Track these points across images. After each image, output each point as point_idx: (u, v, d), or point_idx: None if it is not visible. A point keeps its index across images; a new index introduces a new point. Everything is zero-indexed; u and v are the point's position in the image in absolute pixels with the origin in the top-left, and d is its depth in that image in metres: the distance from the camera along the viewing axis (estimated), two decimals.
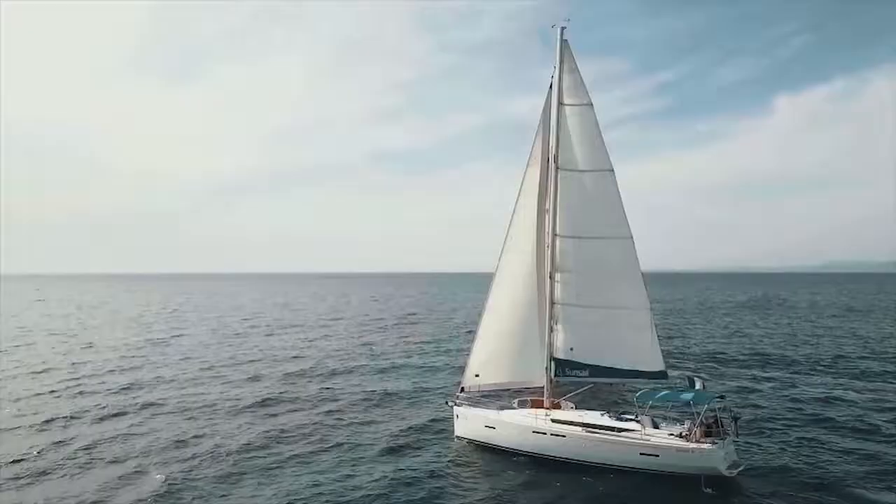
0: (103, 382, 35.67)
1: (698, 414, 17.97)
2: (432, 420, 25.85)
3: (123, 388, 33.83)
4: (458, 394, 23.47)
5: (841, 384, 32.92)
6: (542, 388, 22.35)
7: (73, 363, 42.86)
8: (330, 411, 28.03)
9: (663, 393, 18.98)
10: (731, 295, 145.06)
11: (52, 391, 33.04)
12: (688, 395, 18.32)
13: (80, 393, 32.71)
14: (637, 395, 19.29)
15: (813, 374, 36.19)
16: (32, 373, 38.85)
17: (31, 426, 25.87)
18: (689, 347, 48.87)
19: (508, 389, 23.83)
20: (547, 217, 22.45)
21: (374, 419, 26.75)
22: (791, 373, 36.78)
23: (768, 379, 34.28)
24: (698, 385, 18.82)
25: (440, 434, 23.86)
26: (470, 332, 52.51)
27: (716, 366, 39.18)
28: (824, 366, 39.33)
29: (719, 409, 18.70)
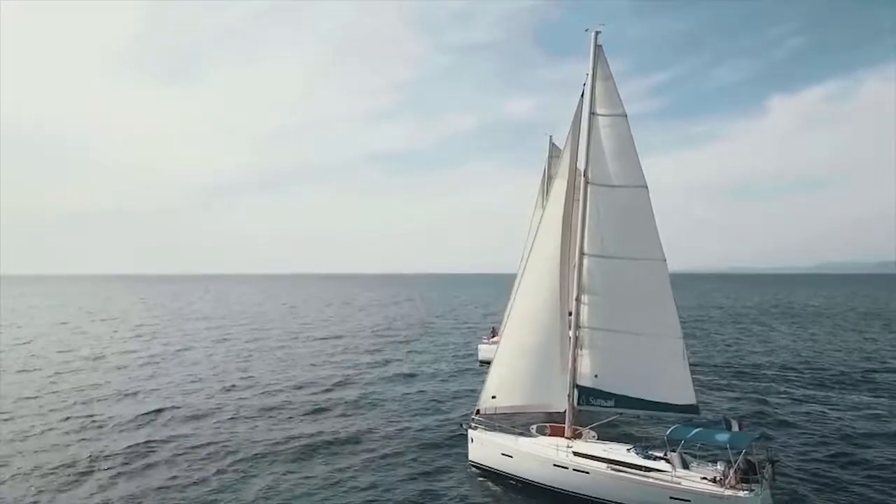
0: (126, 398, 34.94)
1: (735, 457, 16.67)
2: (446, 439, 24.76)
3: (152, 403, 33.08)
4: (473, 416, 22.32)
5: (880, 403, 31.37)
6: (562, 413, 21.17)
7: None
8: (333, 429, 26.91)
9: (696, 431, 17.64)
10: (737, 299, 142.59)
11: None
12: (723, 437, 16.99)
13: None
14: (669, 431, 17.97)
15: (847, 391, 34.65)
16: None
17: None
18: (710, 357, 47.36)
19: (526, 413, 22.66)
20: (573, 234, 21.29)
21: (382, 436, 25.67)
22: (822, 389, 35.26)
23: (799, 400, 32.57)
24: (735, 426, 17.45)
25: (453, 457, 22.73)
26: (471, 335, 54.41)
27: (736, 381, 37.64)
28: (857, 380, 37.78)
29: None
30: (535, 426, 21.65)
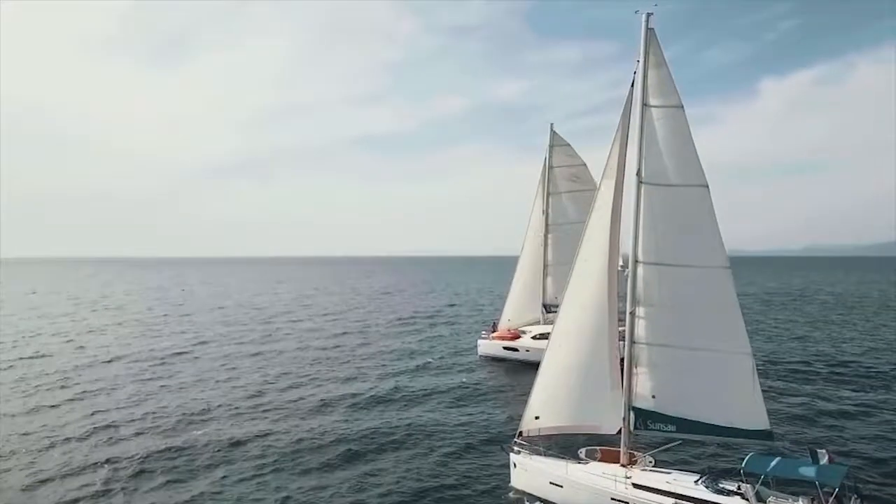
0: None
1: (825, 496, 14.84)
2: (484, 463, 22.79)
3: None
4: (515, 439, 20.36)
5: None
6: (613, 435, 19.32)
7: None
8: (351, 448, 24.77)
9: (777, 462, 15.84)
10: (750, 282, 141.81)
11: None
12: (810, 471, 15.16)
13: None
14: (745, 462, 16.14)
15: None
16: None
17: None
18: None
19: (574, 434, 20.74)
20: (620, 239, 19.36)
21: (413, 454, 23.70)
22: (880, 391, 33.44)
23: (863, 407, 29.88)
24: (823, 458, 15.60)
25: (492, 483, 20.77)
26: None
27: (783, 382, 35.32)
28: None
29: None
30: (583, 450, 19.76)
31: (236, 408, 31.01)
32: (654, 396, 18.33)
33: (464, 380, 38.52)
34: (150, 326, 63.94)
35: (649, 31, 18.27)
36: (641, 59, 18.35)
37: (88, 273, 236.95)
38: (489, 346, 47.91)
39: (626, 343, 18.64)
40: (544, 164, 49.39)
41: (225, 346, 51.41)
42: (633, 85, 18.64)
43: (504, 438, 22.62)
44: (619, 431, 19.12)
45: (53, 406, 31.37)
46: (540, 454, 19.68)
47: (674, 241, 18.11)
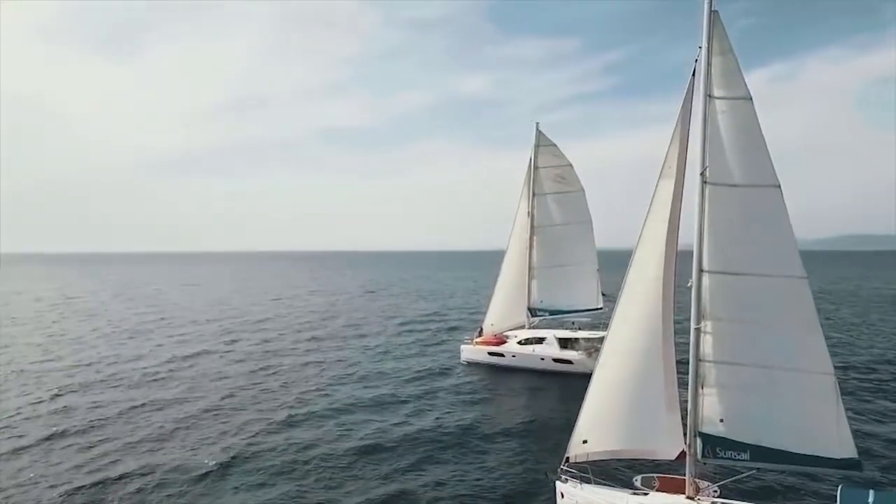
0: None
1: None
2: (529, 491, 20.73)
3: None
4: (562, 466, 18.35)
5: None
6: (671, 461, 17.49)
7: None
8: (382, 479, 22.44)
9: (876, 497, 14.13)
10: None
11: None
12: None
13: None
14: (839, 495, 14.40)
15: None
16: None
17: None
18: None
19: (624, 460, 18.83)
20: (673, 244, 17.50)
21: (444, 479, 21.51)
22: None
23: None
24: None
25: None
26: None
27: (855, 399, 32.91)
28: None
29: None
30: (639, 478, 17.88)
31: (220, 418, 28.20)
32: (721, 420, 16.49)
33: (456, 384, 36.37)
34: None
35: (713, 13, 16.43)
36: (704, 45, 16.51)
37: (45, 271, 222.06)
38: (473, 351, 46.05)
39: (690, 361, 16.76)
40: (529, 164, 47.78)
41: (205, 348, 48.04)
42: (693, 74, 16.81)
43: (540, 462, 20.64)
44: (678, 457, 17.33)
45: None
46: (590, 482, 17.76)
47: (743, 247, 16.31)
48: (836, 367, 15.84)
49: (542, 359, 42.68)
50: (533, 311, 47.32)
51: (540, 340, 43.73)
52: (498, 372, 42.58)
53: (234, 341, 55.16)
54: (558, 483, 18.18)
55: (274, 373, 41.43)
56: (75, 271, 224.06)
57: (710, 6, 16.37)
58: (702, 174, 16.46)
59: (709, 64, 16.49)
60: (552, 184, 47.63)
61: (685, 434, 17.00)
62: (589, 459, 18.16)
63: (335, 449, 25.32)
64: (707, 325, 16.52)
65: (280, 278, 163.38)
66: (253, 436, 27.10)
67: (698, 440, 16.62)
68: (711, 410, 16.55)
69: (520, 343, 44.48)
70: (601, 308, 45.85)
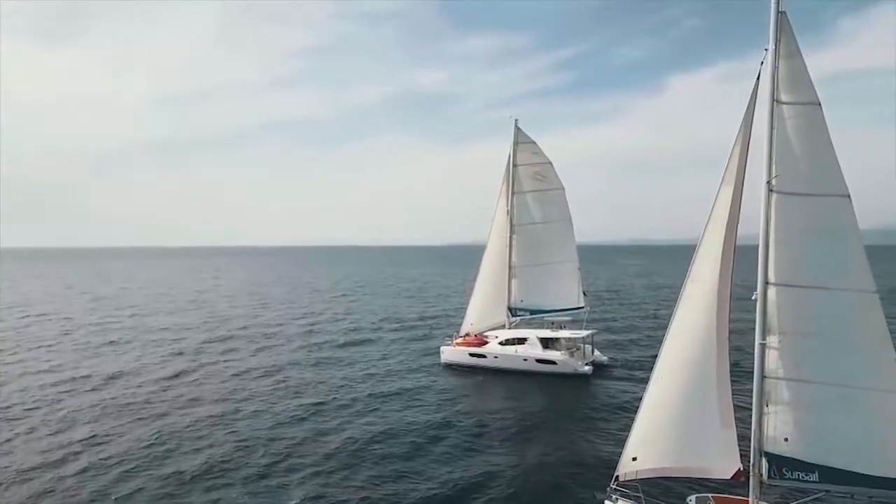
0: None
1: None
2: None
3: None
4: (612, 484, 17.46)
5: None
6: (726, 479, 16.81)
7: None
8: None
9: None
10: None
11: None
12: None
13: None
14: None
15: None
16: None
17: None
18: None
19: (676, 479, 18.06)
20: (733, 254, 16.77)
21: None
22: None
23: None
24: None
25: None
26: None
27: None
28: None
29: None
30: (693, 497, 17.15)
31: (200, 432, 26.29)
32: (786, 440, 15.83)
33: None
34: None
35: (780, 14, 15.69)
36: (771, 48, 15.75)
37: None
38: (454, 353, 45.02)
39: (755, 378, 16.05)
40: (508, 162, 47.00)
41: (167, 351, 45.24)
42: (758, 77, 16.05)
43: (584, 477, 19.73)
44: (734, 476, 16.66)
45: None
46: (641, 502, 16.95)
47: (811, 259, 15.65)
48: None
49: (525, 359, 41.98)
50: (513, 311, 46.61)
51: (522, 341, 43.01)
52: (480, 374, 41.74)
53: (203, 343, 52.61)
54: (607, 502, 17.33)
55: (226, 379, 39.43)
56: None
57: (778, 6, 15.61)
58: (768, 182, 15.73)
59: (775, 67, 15.75)
60: (531, 182, 46.97)
61: (748, 453, 16.30)
62: (639, 478, 17.34)
63: (311, 464, 24.21)
64: (772, 340, 15.82)
65: (225, 277, 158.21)
66: (221, 443, 26.14)
67: (763, 460, 15.93)
68: (777, 429, 15.88)
69: (501, 344, 43.70)
70: (583, 307, 45.47)
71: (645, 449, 17.31)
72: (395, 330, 61.20)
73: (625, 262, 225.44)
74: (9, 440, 26.66)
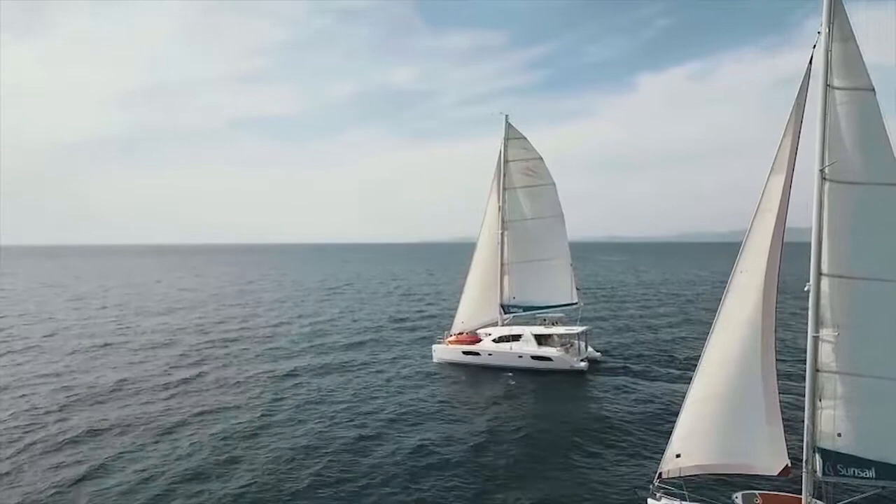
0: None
1: None
2: None
3: None
4: (655, 481, 16.89)
5: None
6: (769, 475, 16.38)
7: None
8: None
9: None
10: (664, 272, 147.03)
11: None
12: None
13: None
14: None
15: None
16: None
17: None
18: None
19: (721, 475, 17.51)
20: (781, 244, 16.28)
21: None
22: None
23: None
24: None
25: None
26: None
27: None
28: None
29: None
30: (739, 495, 16.66)
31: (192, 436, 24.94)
32: (840, 435, 15.36)
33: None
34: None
35: None
36: (823, 31, 15.24)
37: None
38: (446, 351, 44.27)
39: (807, 372, 15.56)
40: (499, 158, 46.36)
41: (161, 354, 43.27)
42: (811, 62, 15.54)
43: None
44: (782, 472, 16.24)
45: None
46: (685, 499, 16.42)
47: (866, 249, 15.18)
48: None
49: (521, 356, 41.43)
50: (506, 308, 45.99)
51: (516, 338, 42.43)
52: (474, 371, 41.03)
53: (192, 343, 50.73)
54: (650, 501, 16.80)
55: (227, 378, 37.96)
56: None
57: None
58: (821, 171, 15.22)
59: (828, 51, 15.25)
60: (522, 177, 46.42)
61: (796, 449, 15.83)
62: (682, 475, 16.81)
63: (302, 467, 23.35)
64: (826, 333, 15.33)
65: (208, 276, 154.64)
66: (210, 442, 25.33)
67: (817, 456, 15.44)
68: (831, 425, 15.40)
69: (495, 341, 43.08)
70: (576, 303, 45.03)
71: (688, 445, 16.80)
72: (377, 329, 60.09)
73: (605, 258, 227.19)
74: None
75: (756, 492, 16.63)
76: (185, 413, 29.86)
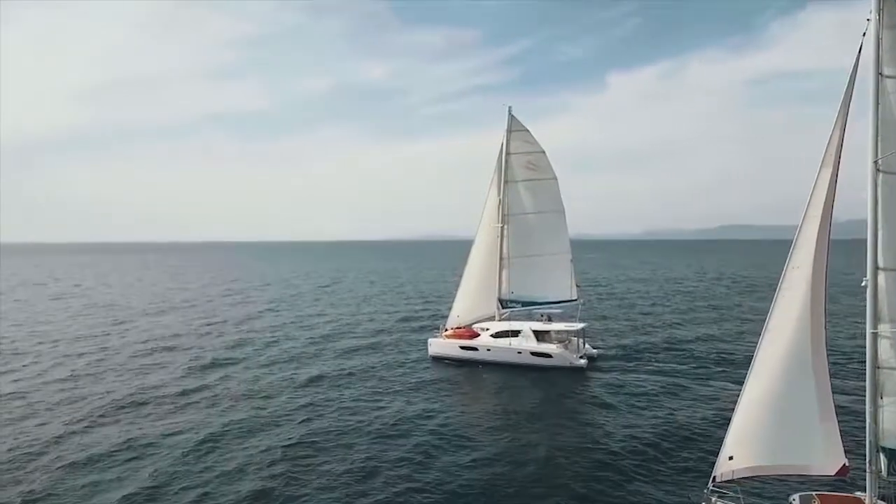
0: None
1: None
2: None
3: None
4: (709, 485, 16.47)
5: None
6: (825, 475, 16.01)
7: None
8: None
9: None
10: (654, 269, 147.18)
11: None
12: None
13: None
14: None
15: None
16: None
17: None
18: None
19: (776, 477, 17.16)
20: (828, 238, 15.88)
21: None
22: None
23: None
24: None
25: None
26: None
27: None
28: None
29: None
30: (796, 496, 16.24)
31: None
32: None
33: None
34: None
35: None
36: (873, 17, 14.80)
37: None
38: (443, 345, 43.66)
39: (867, 369, 15.21)
40: (500, 151, 45.69)
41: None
42: (860, 50, 15.09)
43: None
44: (839, 472, 15.85)
45: None
46: (740, 502, 16.03)
47: None
48: None
49: (520, 352, 40.98)
50: (503, 303, 45.46)
51: (515, 333, 41.93)
52: (471, 367, 40.61)
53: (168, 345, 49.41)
54: None
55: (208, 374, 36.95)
56: None
57: None
58: (874, 162, 14.82)
59: (879, 38, 14.82)
60: (524, 171, 45.84)
61: (853, 448, 15.48)
62: (735, 477, 16.41)
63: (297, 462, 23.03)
64: (885, 329, 14.96)
65: (180, 275, 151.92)
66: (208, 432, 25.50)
67: (881, 456, 15.09)
68: (893, 423, 15.06)
69: (493, 336, 42.57)
70: (576, 299, 44.62)
71: (741, 447, 16.41)
72: (364, 323, 59.33)
73: (586, 255, 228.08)
74: None
75: (813, 493, 16.28)
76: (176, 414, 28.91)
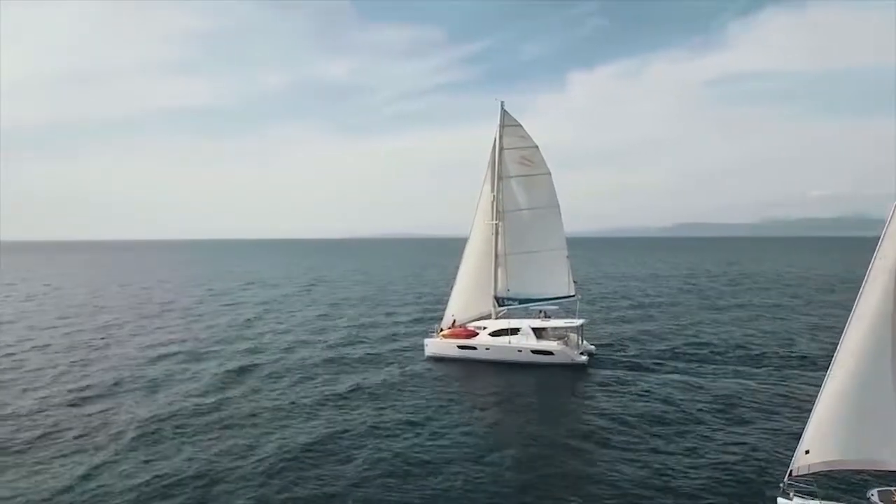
0: None
1: None
2: None
3: None
4: (786, 480, 16.06)
5: None
6: None
7: None
8: None
9: None
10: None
11: None
12: None
13: None
14: None
15: None
16: None
17: None
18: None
19: (855, 472, 16.82)
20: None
21: None
22: None
23: None
24: None
25: None
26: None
27: None
28: None
29: None
30: (874, 492, 15.88)
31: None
32: None
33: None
34: None
35: None
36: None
37: None
38: (440, 345, 42.60)
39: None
40: (494, 146, 44.85)
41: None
42: None
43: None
44: None
45: None
46: (817, 497, 15.70)
47: None
48: None
49: (520, 350, 40.25)
50: (500, 301, 44.64)
51: (514, 331, 41.21)
52: (469, 367, 39.67)
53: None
54: (781, 500, 15.98)
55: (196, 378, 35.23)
56: None
57: None
58: None
59: None
60: (517, 166, 45.05)
61: None
62: (811, 472, 16.03)
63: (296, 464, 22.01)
64: None
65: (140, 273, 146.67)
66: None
67: None
68: None
69: (492, 334, 41.80)
70: (573, 296, 44.16)
71: (819, 441, 15.99)
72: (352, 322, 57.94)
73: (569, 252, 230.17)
74: None
75: (892, 488, 16.00)
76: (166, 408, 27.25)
